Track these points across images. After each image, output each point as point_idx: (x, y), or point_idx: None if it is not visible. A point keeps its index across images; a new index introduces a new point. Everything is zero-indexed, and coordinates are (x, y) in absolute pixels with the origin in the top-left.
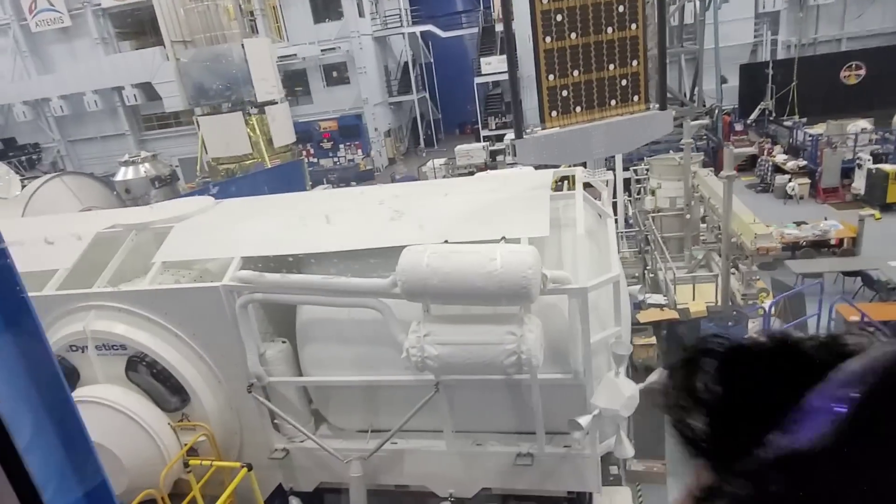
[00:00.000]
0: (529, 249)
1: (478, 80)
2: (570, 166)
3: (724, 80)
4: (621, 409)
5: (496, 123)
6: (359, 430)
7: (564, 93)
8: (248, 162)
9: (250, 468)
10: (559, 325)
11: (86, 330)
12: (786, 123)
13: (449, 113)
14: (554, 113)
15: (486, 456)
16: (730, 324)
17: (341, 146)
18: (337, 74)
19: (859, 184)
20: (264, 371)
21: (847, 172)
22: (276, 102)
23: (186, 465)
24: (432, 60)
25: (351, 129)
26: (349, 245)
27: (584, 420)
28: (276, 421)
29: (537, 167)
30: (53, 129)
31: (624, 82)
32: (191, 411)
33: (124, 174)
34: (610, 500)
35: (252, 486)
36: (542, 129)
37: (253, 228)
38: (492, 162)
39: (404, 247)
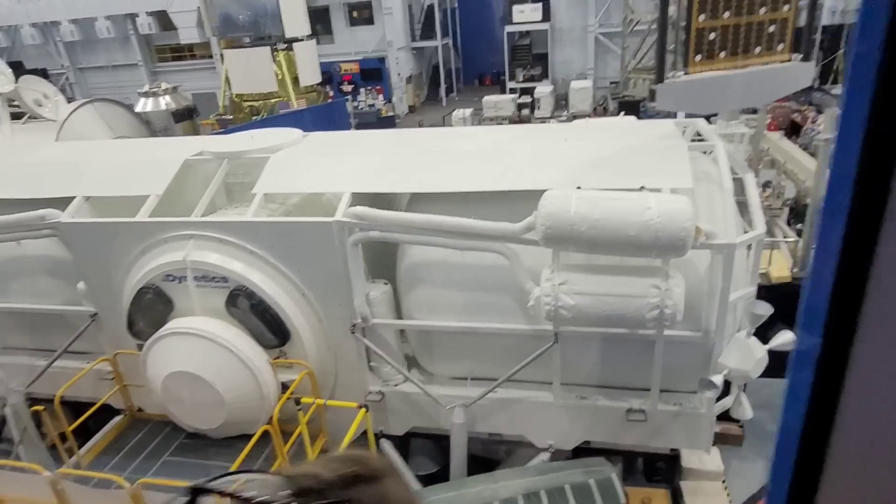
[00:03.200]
0: (685, 199)
1: (509, 28)
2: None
3: None
4: (751, 370)
5: (523, 76)
6: (454, 377)
7: (712, 35)
8: (273, 101)
9: (367, 409)
10: (692, 281)
11: (186, 260)
12: (833, 92)
13: (469, 62)
14: (699, 57)
15: (593, 410)
16: None
17: (362, 90)
18: (360, 14)
19: None
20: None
21: None
22: (304, 39)
23: (298, 402)
24: (457, 6)
25: (373, 73)
26: (471, 186)
27: (717, 379)
28: (372, 363)
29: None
30: (63, 54)
31: (772, 28)
32: (289, 349)
33: (143, 105)
34: (699, 458)
35: (367, 427)
36: (684, 74)
37: (359, 164)
38: (521, 115)
39: (529, 191)
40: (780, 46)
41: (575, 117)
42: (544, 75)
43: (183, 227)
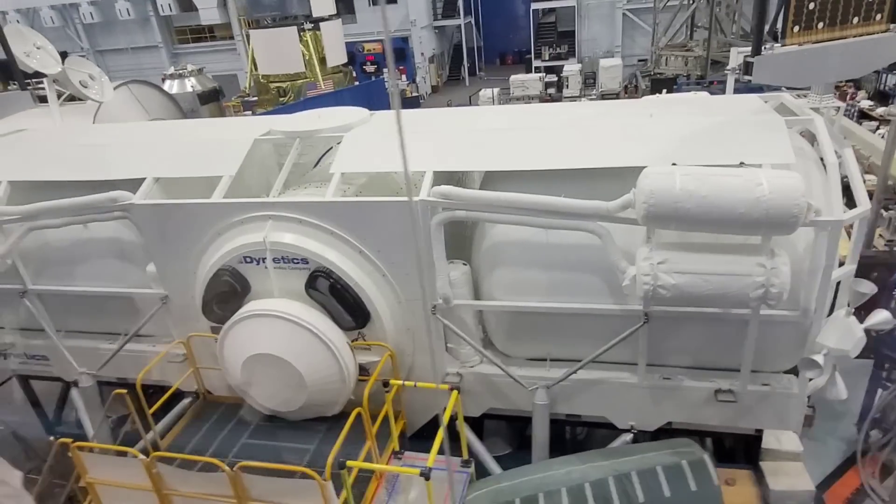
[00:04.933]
0: (796, 175)
1: (535, 5)
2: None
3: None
4: (851, 349)
5: (550, 54)
6: (530, 358)
7: (811, 5)
8: (300, 81)
9: (459, 390)
10: (792, 259)
11: (266, 241)
12: None
13: (490, 41)
14: (797, 28)
15: (678, 390)
16: None
17: (385, 70)
18: None
19: None
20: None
21: None
22: (330, 18)
23: (386, 384)
24: None
25: (396, 53)
26: (562, 163)
27: (819, 359)
28: (449, 345)
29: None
30: (82, 37)
31: None
32: (368, 331)
33: (169, 88)
34: (777, 439)
35: (458, 409)
36: (782, 45)
37: (436, 142)
38: (550, 93)
39: (611, 169)
40: (879, 16)
41: (604, 96)
42: (570, 53)
43: (261, 208)
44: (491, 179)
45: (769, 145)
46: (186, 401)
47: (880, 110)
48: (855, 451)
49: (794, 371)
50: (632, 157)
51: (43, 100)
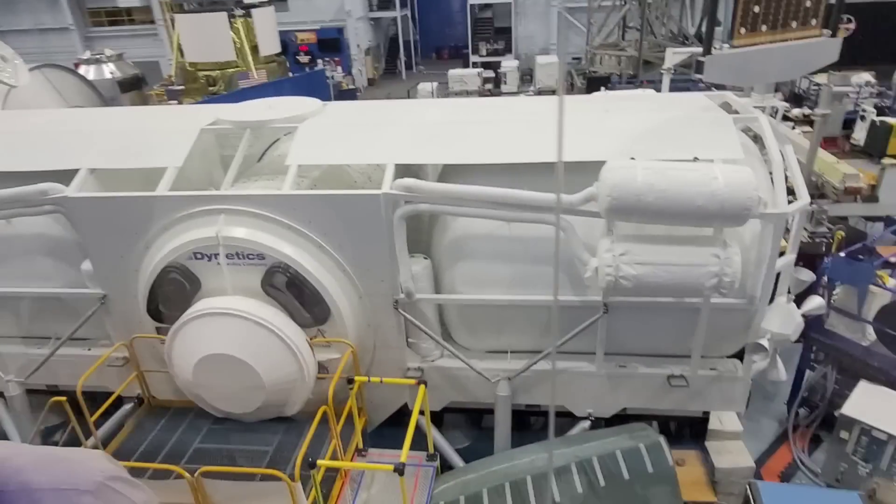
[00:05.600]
0: (748, 170)
1: (471, 0)
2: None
3: (718, 24)
4: (792, 333)
5: (487, 49)
6: (489, 350)
7: (756, 8)
8: (230, 70)
9: (426, 384)
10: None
11: (219, 236)
12: None
13: (426, 36)
14: (743, 30)
15: (634, 377)
16: None
17: (319, 61)
18: None
19: (860, 135)
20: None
21: (848, 123)
22: (263, 4)
23: (350, 381)
24: None
25: (330, 43)
26: (523, 157)
27: (765, 343)
28: (410, 340)
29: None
30: None
31: (808, 3)
32: (329, 327)
33: (85, 74)
34: (719, 420)
35: (424, 404)
36: (730, 47)
37: (394, 134)
38: (489, 89)
39: (571, 163)
40: (814, 21)
41: (541, 92)
42: (507, 50)
43: (213, 201)
44: (448, 173)
45: (719, 141)
46: (128, 406)
47: (795, 111)
48: (786, 428)
49: (737, 355)
50: (591, 152)
51: None
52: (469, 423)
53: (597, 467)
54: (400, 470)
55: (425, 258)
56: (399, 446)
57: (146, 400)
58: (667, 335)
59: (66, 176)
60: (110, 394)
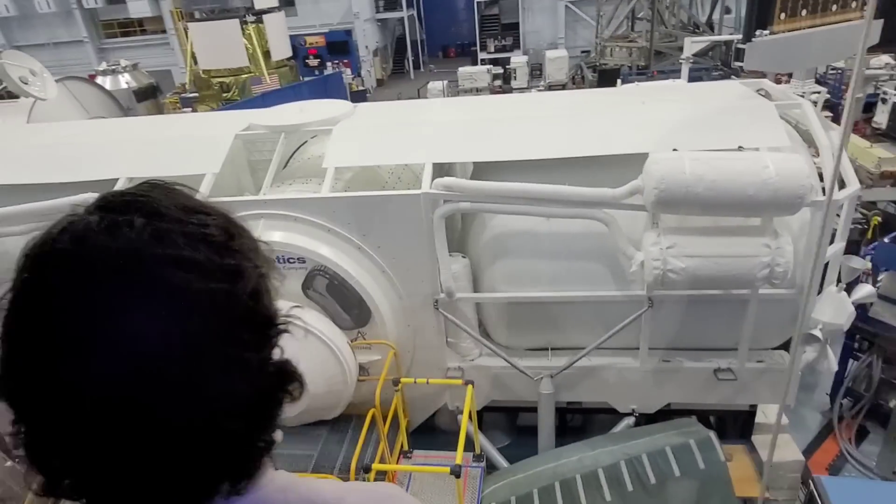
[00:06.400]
0: (799, 157)
1: None
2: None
3: (727, 11)
4: (844, 323)
5: (495, 46)
6: (528, 348)
7: None
8: (244, 76)
9: (473, 384)
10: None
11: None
12: None
13: (432, 34)
14: (783, 15)
15: (679, 372)
16: None
17: (328, 64)
18: None
19: (881, 118)
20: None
21: (868, 107)
22: (274, 10)
23: (396, 383)
24: None
25: (339, 46)
26: (566, 152)
27: (818, 333)
28: (449, 339)
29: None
30: None
31: None
32: (370, 329)
33: (102, 84)
34: (764, 413)
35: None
36: (770, 32)
37: (429, 133)
38: (500, 85)
39: (602, 156)
40: (854, 3)
41: (551, 87)
42: (515, 45)
43: (252, 206)
44: (479, 171)
45: (763, 129)
46: None
47: (813, 96)
48: (829, 419)
49: (784, 346)
50: (632, 144)
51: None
52: (507, 422)
53: (647, 465)
54: (457, 472)
55: (463, 257)
56: (428, 447)
57: None
58: (711, 328)
59: (98, 186)
60: None
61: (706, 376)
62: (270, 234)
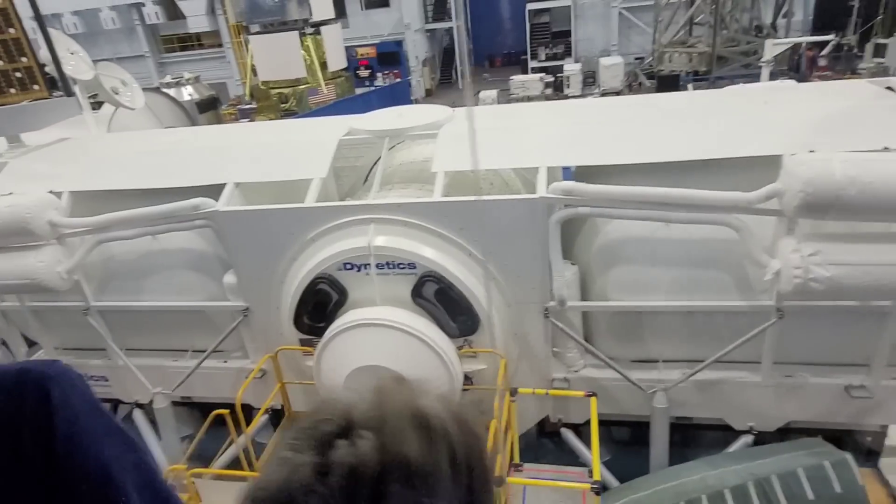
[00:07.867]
0: None
1: (531, 5)
2: None
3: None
4: None
5: (546, 54)
6: (635, 359)
7: None
8: (302, 87)
9: (595, 395)
10: None
11: (370, 246)
12: (877, 60)
13: (478, 44)
14: None
15: (803, 388)
16: None
17: (379, 74)
18: None
19: None
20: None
21: None
22: (331, 22)
23: (514, 393)
24: None
25: (390, 57)
26: (691, 154)
27: None
28: (554, 349)
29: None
30: None
31: None
32: (477, 337)
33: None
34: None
35: (591, 414)
36: None
37: (539, 137)
38: (556, 94)
39: (722, 160)
40: None
41: (605, 94)
42: (567, 53)
43: (361, 211)
44: (581, 176)
45: None
46: (264, 418)
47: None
48: None
49: None
50: (763, 146)
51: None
52: (607, 437)
53: (777, 487)
54: (597, 490)
55: (573, 264)
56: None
57: (288, 412)
58: (842, 341)
59: (201, 192)
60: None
61: (834, 393)
62: (381, 238)
